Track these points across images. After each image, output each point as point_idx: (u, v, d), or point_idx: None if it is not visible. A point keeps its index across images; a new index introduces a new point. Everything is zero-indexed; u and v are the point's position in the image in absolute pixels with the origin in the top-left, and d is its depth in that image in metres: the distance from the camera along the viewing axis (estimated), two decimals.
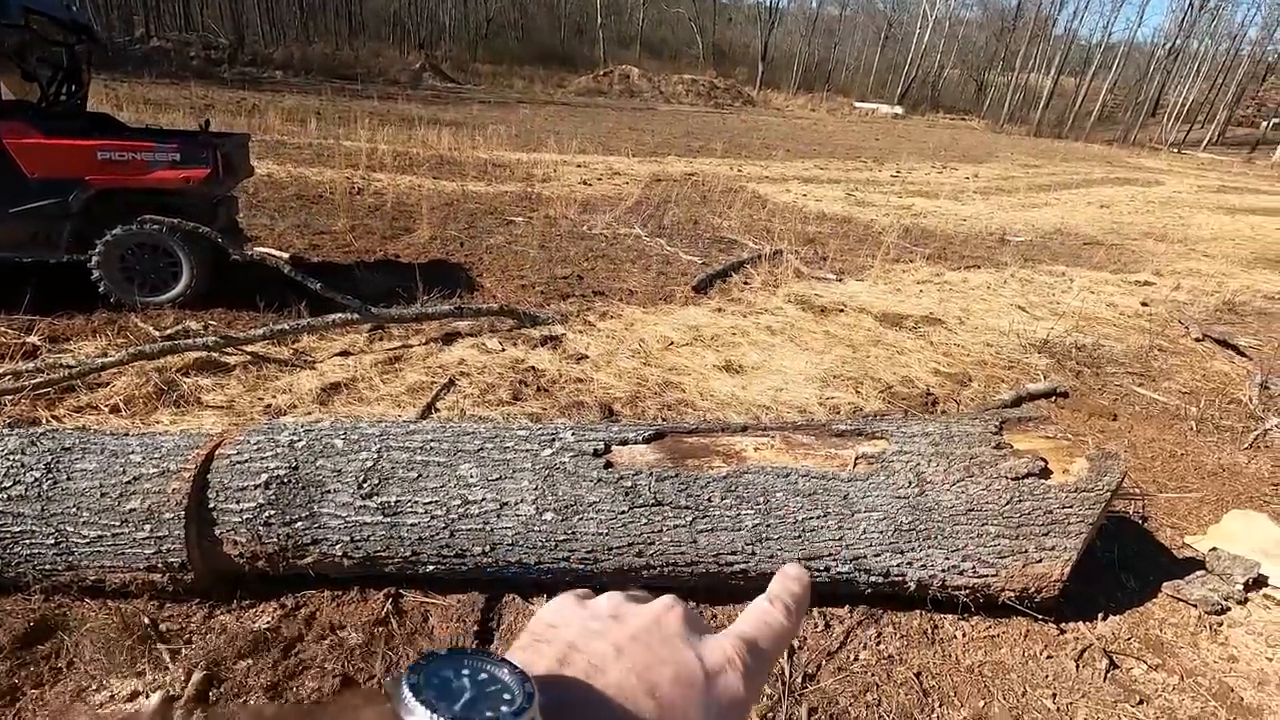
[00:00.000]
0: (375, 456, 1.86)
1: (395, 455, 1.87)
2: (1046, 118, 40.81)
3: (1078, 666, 1.99)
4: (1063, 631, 2.12)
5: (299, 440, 1.88)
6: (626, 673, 0.30)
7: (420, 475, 1.85)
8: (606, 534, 1.84)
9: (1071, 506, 1.91)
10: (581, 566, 1.87)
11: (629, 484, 1.86)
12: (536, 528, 1.83)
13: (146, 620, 1.78)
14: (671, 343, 4.12)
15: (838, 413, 3.41)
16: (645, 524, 1.84)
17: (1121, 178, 18.88)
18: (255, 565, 1.85)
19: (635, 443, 1.97)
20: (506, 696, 0.26)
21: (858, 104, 40.30)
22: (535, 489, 1.85)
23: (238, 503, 1.80)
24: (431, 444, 1.91)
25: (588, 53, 39.82)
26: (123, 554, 1.76)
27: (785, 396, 3.53)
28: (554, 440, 1.95)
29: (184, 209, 3.92)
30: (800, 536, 1.87)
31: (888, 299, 5.46)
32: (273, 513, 1.79)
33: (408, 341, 3.86)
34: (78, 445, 1.82)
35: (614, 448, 1.95)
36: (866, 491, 1.89)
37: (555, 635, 0.33)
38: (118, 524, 1.74)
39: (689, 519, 1.85)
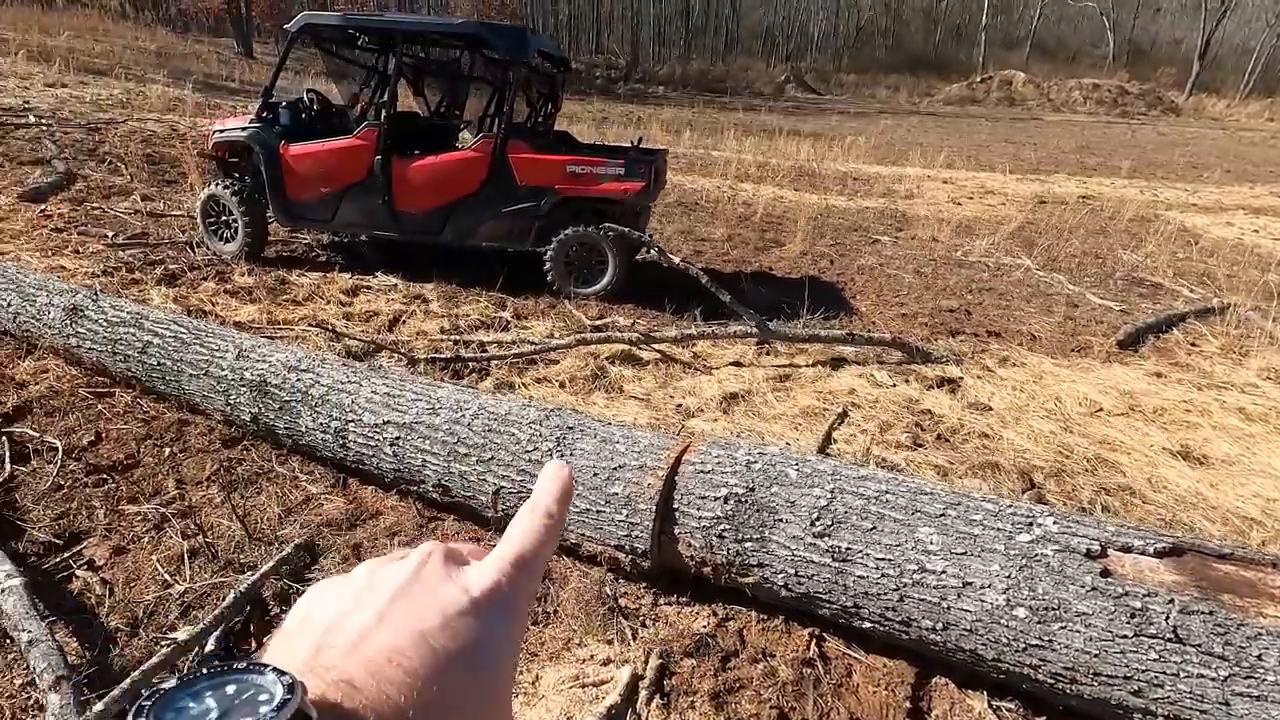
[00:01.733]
0: (829, 496, 1.83)
1: (849, 500, 1.82)
2: None
3: None
4: None
5: (755, 462, 1.95)
6: (395, 633, 0.29)
7: (875, 527, 1.76)
8: (1095, 656, 1.53)
9: None
10: (1052, 681, 1.60)
11: (1137, 604, 1.52)
12: (1004, 621, 1.61)
13: (609, 592, 2.02)
14: (1099, 409, 3.46)
15: None
16: (1154, 660, 1.49)
17: None
18: (700, 570, 1.97)
19: (1142, 553, 1.61)
20: (263, 698, 0.24)
21: None
22: (1008, 577, 1.63)
23: (698, 510, 1.92)
24: (887, 495, 1.81)
25: (964, 58, 36.57)
26: (601, 529, 2.02)
27: None
28: (1030, 525, 1.70)
29: (617, 215, 4.51)
30: None
31: None
32: (727, 527, 1.88)
33: (794, 360, 3.88)
34: (578, 426, 2.14)
35: (1111, 552, 1.63)
36: None
37: (309, 626, 0.30)
38: (602, 503, 2.00)
39: (1223, 673, 1.44)
